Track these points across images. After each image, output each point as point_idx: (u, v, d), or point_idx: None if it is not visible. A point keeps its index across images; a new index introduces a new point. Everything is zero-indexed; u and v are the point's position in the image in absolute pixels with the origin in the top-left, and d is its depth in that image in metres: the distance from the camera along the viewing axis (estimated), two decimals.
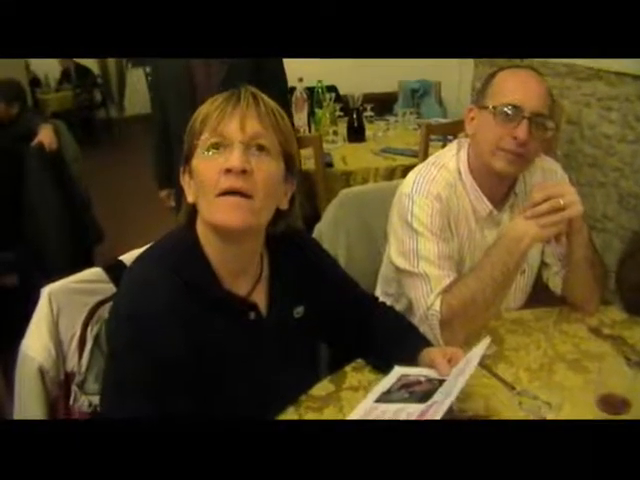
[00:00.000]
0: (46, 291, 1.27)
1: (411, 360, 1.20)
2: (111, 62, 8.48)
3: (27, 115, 3.47)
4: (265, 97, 1.11)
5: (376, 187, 2.05)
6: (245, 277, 1.17)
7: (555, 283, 1.54)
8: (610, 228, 2.84)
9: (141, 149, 4.08)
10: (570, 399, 1.11)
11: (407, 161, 2.99)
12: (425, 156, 2.90)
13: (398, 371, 1.16)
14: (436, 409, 0.99)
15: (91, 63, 8.29)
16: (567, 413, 1.07)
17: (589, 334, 1.40)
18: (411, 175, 1.49)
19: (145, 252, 1.16)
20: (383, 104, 4.32)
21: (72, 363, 1.29)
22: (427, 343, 1.28)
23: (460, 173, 1.48)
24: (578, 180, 3.05)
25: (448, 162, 1.50)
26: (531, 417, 1.05)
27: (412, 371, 1.16)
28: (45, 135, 3.13)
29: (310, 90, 3.72)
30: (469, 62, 4.59)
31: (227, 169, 1.03)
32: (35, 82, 7.30)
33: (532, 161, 1.46)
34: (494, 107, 1.38)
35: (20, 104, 3.46)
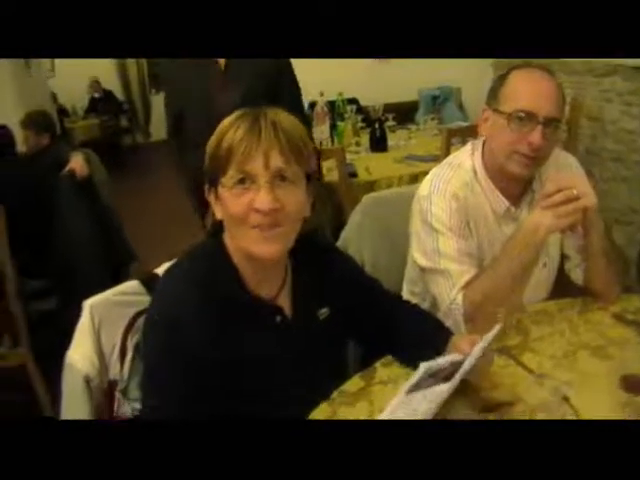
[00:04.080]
0: (88, 304, 1.35)
1: (439, 355, 1.25)
2: (135, 88, 8.69)
3: (58, 145, 3.59)
4: (284, 122, 1.13)
5: (398, 191, 2.10)
6: (270, 282, 1.23)
7: (576, 275, 1.57)
8: (636, 220, 2.84)
9: (167, 173, 4.18)
10: (593, 383, 1.15)
11: (429, 167, 3.02)
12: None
13: (423, 365, 1.20)
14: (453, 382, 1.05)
15: (116, 89, 8.52)
16: (589, 396, 1.11)
17: (613, 321, 1.42)
18: (428, 177, 1.54)
19: (175, 263, 1.23)
20: (405, 113, 4.39)
21: (115, 371, 1.35)
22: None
23: (476, 172, 1.52)
24: (602, 175, 3.06)
25: (464, 162, 1.54)
26: (552, 398, 1.09)
27: (436, 362, 1.21)
28: (76, 162, 3.23)
29: (331, 103, 3.80)
30: (487, 65, 4.63)
31: (256, 209, 1.08)
32: (62, 112, 7.52)
33: (546, 161, 1.49)
34: (507, 113, 1.42)
35: (50, 134, 3.58)
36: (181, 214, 2.79)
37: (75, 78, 7.92)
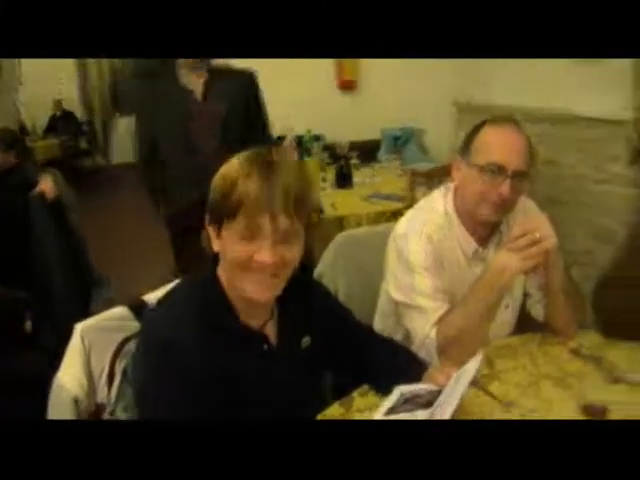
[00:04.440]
0: (79, 328, 1.39)
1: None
2: (97, 110, 8.67)
3: (25, 164, 3.57)
4: (295, 177, 1.18)
5: (371, 230, 2.21)
6: (259, 314, 1.31)
7: (537, 311, 1.70)
8: (590, 261, 3.01)
9: (128, 196, 4.17)
10: (556, 410, 1.26)
11: (394, 206, 3.16)
12: (412, 200, 3.08)
13: (399, 389, 1.29)
14: (441, 413, 1.13)
15: (77, 110, 8.49)
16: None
17: (570, 356, 1.54)
18: (405, 217, 1.66)
19: (171, 290, 1.29)
20: (368, 151, 4.53)
21: (102, 395, 1.40)
22: (426, 369, 1.41)
23: (448, 215, 1.64)
24: (561, 218, 3.24)
25: (437, 205, 1.66)
26: None
27: (411, 387, 1.29)
28: (45, 184, 3.24)
29: (298, 138, 3.92)
30: (450, 108, 4.82)
31: (259, 262, 1.15)
32: (22, 130, 7.43)
33: (514, 207, 1.61)
34: (479, 166, 1.54)
35: (15, 153, 3.55)
36: (143, 238, 2.84)
37: (37, 96, 7.87)
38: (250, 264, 1.16)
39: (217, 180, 1.20)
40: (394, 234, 1.64)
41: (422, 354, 1.51)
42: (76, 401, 1.35)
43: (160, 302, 1.28)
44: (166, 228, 2.66)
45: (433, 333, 1.51)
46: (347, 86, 5.01)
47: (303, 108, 4.36)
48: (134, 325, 1.46)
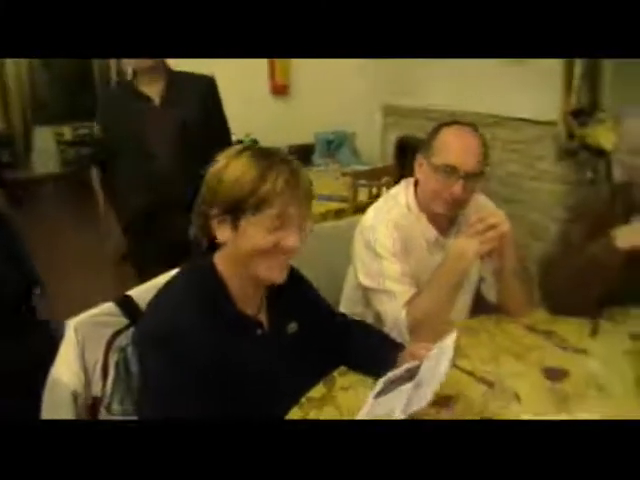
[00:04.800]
0: (72, 324, 1.44)
1: (392, 362, 1.45)
2: (17, 121, 8.40)
3: None
4: (307, 177, 1.32)
5: (335, 224, 2.32)
6: (254, 300, 1.40)
7: (491, 295, 1.86)
8: (525, 257, 3.23)
9: (49, 209, 4.08)
10: (521, 377, 1.42)
11: (337, 206, 3.31)
12: (355, 200, 3.23)
13: (381, 381, 1.37)
14: (425, 390, 1.24)
15: None
16: (521, 385, 1.38)
17: (525, 332, 1.71)
18: (371, 210, 1.78)
19: (171, 279, 1.37)
20: (303, 156, 4.65)
21: (97, 388, 1.45)
22: (402, 346, 1.53)
23: (409, 206, 1.78)
24: None
25: (399, 198, 1.80)
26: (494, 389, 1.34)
27: (392, 373, 1.40)
28: None
29: (238, 142, 3.98)
30: (377, 110, 5.02)
31: (286, 247, 1.27)
32: None
33: (467, 204, 1.76)
34: (435, 165, 1.69)
35: None
36: (67, 248, 2.87)
37: None
38: (274, 250, 1.27)
39: (231, 181, 1.26)
40: (361, 226, 1.76)
41: (393, 335, 1.63)
42: (75, 395, 1.39)
43: (161, 291, 1.35)
44: (122, 232, 2.68)
45: (403, 314, 1.64)
46: (279, 91, 5.10)
47: (236, 112, 4.42)
48: (121, 320, 1.51)
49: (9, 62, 8.15)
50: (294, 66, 5.09)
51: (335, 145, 5.02)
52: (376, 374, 1.41)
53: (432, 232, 1.78)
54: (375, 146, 5.08)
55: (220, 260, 1.35)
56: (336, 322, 1.61)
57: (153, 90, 2.43)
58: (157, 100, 2.44)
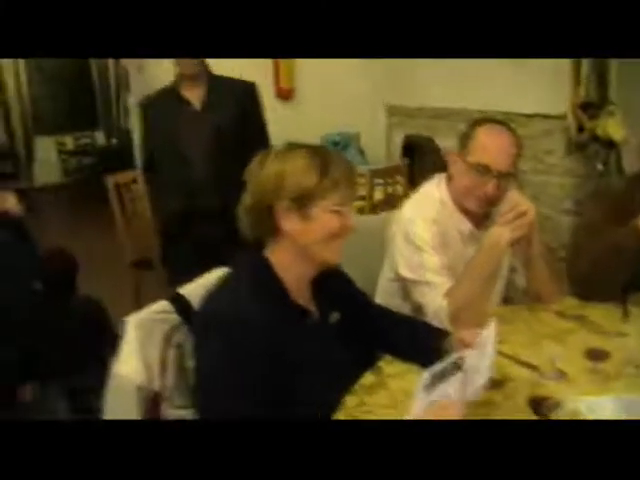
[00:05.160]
0: (132, 322, 1.50)
1: (437, 350, 1.50)
2: (18, 131, 8.44)
3: None
4: None
5: (368, 219, 2.39)
6: (303, 292, 1.47)
7: (521, 282, 1.93)
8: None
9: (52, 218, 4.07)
10: (565, 359, 1.48)
11: (355, 204, 3.36)
12: (372, 197, 3.31)
13: (427, 372, 1.35)
14: (477, 379, 1.29)
15: None
16: (566, 366, 1.46)
17: (557, 318, 1.78)
18: (407, 205, 1.86)
19: (227, 277, 1.44)
20: None
21: (158, 382, 1.51)
22: (445, 333, 1.60)
23: (443, 201, 1.85)
24: None
25: (432, 193, 1.87)
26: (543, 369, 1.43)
27: (438, 365, 1.44)
28: (9, 202, 3.20)
29: None
30: (382, 113, 5.09)
31: (348, 227, 1.39)
32: None
33: (500, 202, 1.81)
34: (469, 163, 1.75)
35: None
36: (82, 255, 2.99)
37: None
38: (339, 232, 1.38)
39: (297, 172, 1.36)
40: (400, 219, 1.84)
41: (435, 324, 1.70)
42: (140, 390, 1.45)
43: (219, 284, 1.42)
44: (158, 234, 2.73)
45: (444, 304, 1.70)
46: (285, 95, 5.16)
47: None
48: (175, 317, 1.57)
49: (7, 73, 8.18)
50: (298, 70, 5.15)
51: (341, 146, 5.08)
52: (422, 362, 1.46)
53: (466, 225, 1.84)
54: (380, 146, 5.15)
55: (275, 253, 1.42)
56: (376, 312, 1.69)
57: (194, 95, 2.48)
58: (197, 105, 2.48)
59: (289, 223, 1.37)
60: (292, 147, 1.42)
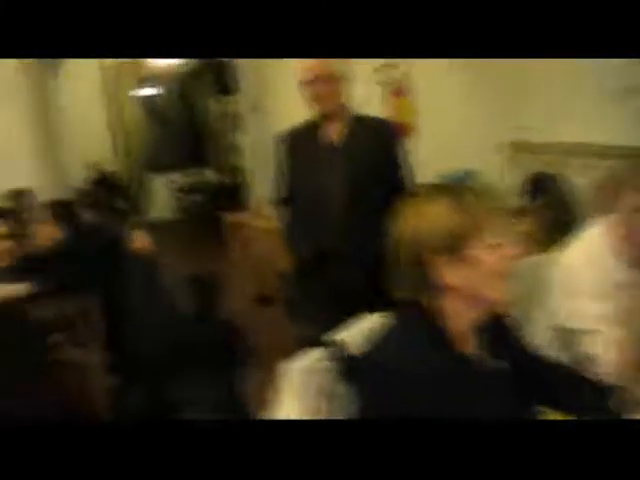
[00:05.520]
0: (296, 367, 1.48)
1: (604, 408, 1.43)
2: (132, 168, 8.87)
3: (109, 222, 3.70)
4: None
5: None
6: (468, 341, 1.40)
7: None
8: None
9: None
10: None
11: None
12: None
13: None
14: None
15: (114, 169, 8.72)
16: None
17: None
18: (568, 251, 1.77)
19: (390, 329, 1.39)
20: None
21: None
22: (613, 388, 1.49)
23: (606, 246, 1.74)
24: None
25: (592, 238, 1.77)
26: None
27: None
28: (141, 240, 3.33)
29: None
30: (501, 150, 4.97)
31: (511, 257, 1.32)
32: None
33: None
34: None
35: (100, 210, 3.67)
36: None
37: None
38: (503, 267, 1.31)
39: (453, 220, 1.31)
40: (560, 266, 1.74)
41: (600, 377, 1.59)
42: None
43: (382, 336, 1.38)
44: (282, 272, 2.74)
45: (611, 354, 1.60)
46: (405, 132, 5.07)
47: None
48: (328, 365, 1.55)
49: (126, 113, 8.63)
50: (416, 105, 5.11)
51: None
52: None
53: (624, 271, 1.73)
54: (499, 184, 5.01)
55: (439, 302, 1.36)
56: (539, 361, 1.59)
57: (334, 132, 2.44)
58: (336, 142, 2.44)
59: (451, 275, 1.32)
60: (428, 195, 1.37)
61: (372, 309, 1.85)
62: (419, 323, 1.37)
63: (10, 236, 2.71)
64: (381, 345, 1.37)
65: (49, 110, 6.15)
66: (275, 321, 3.64)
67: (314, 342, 1.59)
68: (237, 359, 2.95)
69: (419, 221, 1.34)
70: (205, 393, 2.93)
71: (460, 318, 1.36)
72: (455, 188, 1.39)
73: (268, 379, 1.58)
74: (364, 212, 2.40)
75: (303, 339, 2.62)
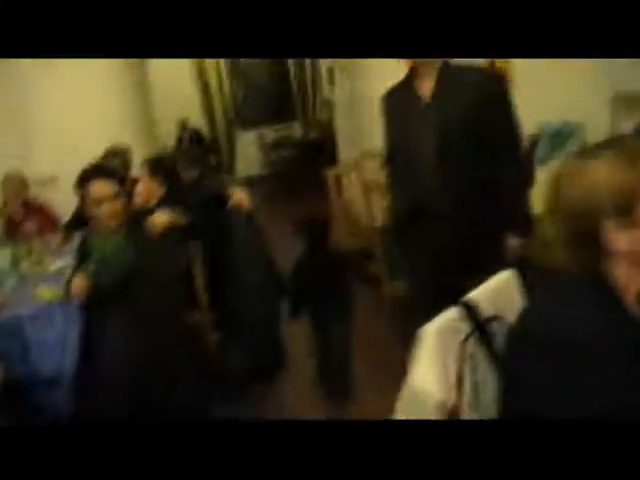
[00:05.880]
0: (429, 332, 1.38)
1: None
2: (221, 126, 8.92)
3: (211, 178, 3.67)
4: None
5: None
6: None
7: None
8: None
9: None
10: None
11: None
12: None
13: None
14: None
15: (202, 126, 8.79)
16: None
17: None
18: None
19: (557, 290, 1.28)
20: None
21: (454, 397, 1.38)
22: None
23: None
24: None
25: None
26: None
27: None
28: (241, 196, 3.26)
29: None
30: (608, 102, 4.62)
31: None
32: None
33: None
34: None
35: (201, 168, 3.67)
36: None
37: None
38: None
39: (623, 179, 1.16)
40: None
41: None
42: (440, 405, 1.34)
43: (544, 298, 1.27)
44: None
45: None
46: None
47: None
48: (465, 325, 1.44)
49: (210, 75, 8.66)
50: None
51: (564, 137, 4.68)
52: None
53: None
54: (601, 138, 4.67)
55: (611, 268, 1.23)
56: None
57: (425, 86, 2.27)
58: (427, 97, 2.27)
59: (622, 242, 1.18)
60: (590, 152, 1.21)
61: (466, 273, 1.80)
62: (587, 289, 1.24)
63: (118, 195, 2.69)
64: (539, 311, 1.26)
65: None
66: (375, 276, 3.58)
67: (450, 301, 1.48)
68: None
69: (582, 182, 1.19)
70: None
71: (632, 286, 1.22)
72: (615, 141, 1.24)
73: None
74: (457, 170, 2.25)
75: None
